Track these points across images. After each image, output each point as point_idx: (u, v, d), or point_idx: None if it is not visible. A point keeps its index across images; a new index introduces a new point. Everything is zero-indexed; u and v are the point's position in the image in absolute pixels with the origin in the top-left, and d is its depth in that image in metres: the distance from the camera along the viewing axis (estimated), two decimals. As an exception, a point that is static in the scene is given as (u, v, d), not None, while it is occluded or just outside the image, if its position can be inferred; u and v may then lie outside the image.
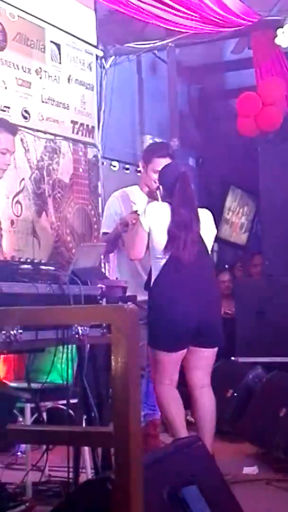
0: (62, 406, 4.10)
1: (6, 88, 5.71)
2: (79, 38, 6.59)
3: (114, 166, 7.31)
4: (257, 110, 6.94)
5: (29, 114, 5.94)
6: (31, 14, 5.92)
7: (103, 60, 7.11)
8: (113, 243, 4.73)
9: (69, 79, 6.49)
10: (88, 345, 3.17)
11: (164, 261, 4.17)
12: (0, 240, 4.51)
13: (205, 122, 8.98)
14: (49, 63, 6.23)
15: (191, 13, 6.35)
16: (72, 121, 6.52)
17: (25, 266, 3.00)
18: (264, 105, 6.91)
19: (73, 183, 6.49)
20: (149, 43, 7.31)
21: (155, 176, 4.50)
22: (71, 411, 3.53)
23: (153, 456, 2.84)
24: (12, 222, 5.67)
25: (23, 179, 5.86)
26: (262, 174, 6.87)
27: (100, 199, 6.77)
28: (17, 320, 2.42)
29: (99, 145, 6.91)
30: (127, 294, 3.74)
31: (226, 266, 8.17)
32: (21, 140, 5.81)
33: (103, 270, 5.59)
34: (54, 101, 6.27)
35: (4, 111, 5.64)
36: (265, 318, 6.21)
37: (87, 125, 6.73)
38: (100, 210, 6.49)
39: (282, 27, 6.78)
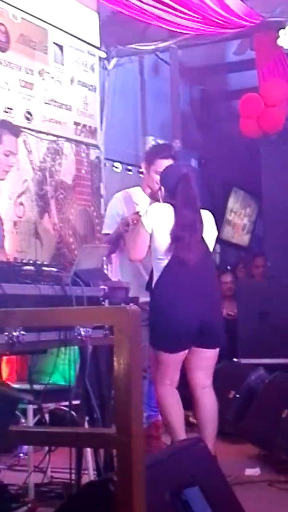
0: (64, 408, 4.09)
1: (9, 89, 5.70)
2: (81, 40, 6.59)
3: (117, 168, 7.32)
4: (260, 111, 6.95)
5: (31, 115, 5.94)
6: (34, 16, 5.94)
7: (105, 61, 7.10)
8: (115, 243, 4.72)
9: (71, 81, 6.49)
10: (91, 347, 3.17)
11: (165, 262, 4.17)
12: (3, 242, 4.50)
13: (207, 123, 8.98)
14: (51, 65, 6.23)
15: (193, 15, 6.35)
16: (74, 123, 6.52)
17: (28, 267, 3.00)
18: (266, 106, 6.92)
19: (76, 185, 6.49)
20: (151, 45, 7.31)
21: (158, 177, 4.49)
22: (73, 413, 3.52)
23: (155, 458, 2.84)
24: (14, 224, 5.67)
25: (25, 180, 5.86)
26: (264, 175, 6.86)
27: (102, 200, 6.76)
28: (19, 321, 2.43)
29: (101, 147, 6.91)
30: (129, 295, 3.74)
31: (228, 267, 8.17)
32: (24, 141, 5.81)
33: (105, 271, 5.59)
34: (56, 102, 6.26)
35: (7, 112, 5.63)
36: (267, 320, 6.21)
37: (90, 127, 6.73)
38: (103, 212, 6.47)
39: (284, 28, 6.78)
